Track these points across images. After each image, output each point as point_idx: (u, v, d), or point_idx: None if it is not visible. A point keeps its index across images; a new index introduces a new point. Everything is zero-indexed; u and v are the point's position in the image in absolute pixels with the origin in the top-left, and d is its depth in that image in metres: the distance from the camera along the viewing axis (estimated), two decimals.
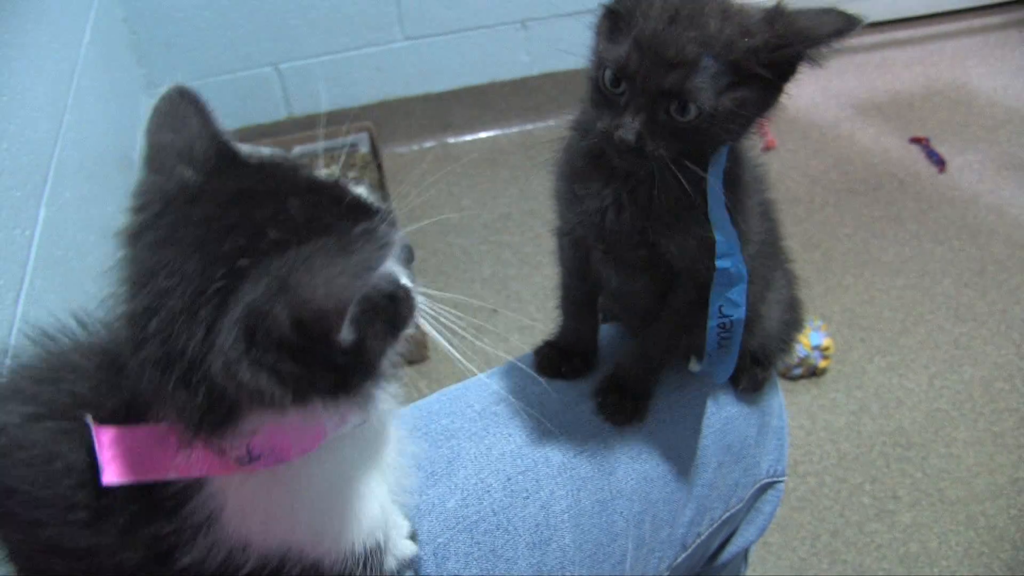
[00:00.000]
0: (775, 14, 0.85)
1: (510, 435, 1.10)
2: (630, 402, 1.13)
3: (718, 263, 0.96)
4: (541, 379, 1.18)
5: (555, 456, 1.08)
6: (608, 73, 0.89)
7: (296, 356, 0.58)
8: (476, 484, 1.04)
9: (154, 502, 0.67)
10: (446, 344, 0.75)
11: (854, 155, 3.18)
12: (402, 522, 0.99)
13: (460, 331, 0.76)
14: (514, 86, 3.30)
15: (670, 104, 0.86)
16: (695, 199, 0.93)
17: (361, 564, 0.75)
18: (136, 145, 2.48)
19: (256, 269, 0.58)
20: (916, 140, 3.21)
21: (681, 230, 0.97)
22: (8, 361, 0.75)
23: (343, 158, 2.97)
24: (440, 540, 1.00)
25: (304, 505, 0.70)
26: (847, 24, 0.83)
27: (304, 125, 2.97)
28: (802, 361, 2.36)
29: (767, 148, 3.15)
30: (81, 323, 0.77)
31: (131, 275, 0.63)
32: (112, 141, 2.31)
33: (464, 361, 0.78)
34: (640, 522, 1.08)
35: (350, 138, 3.05)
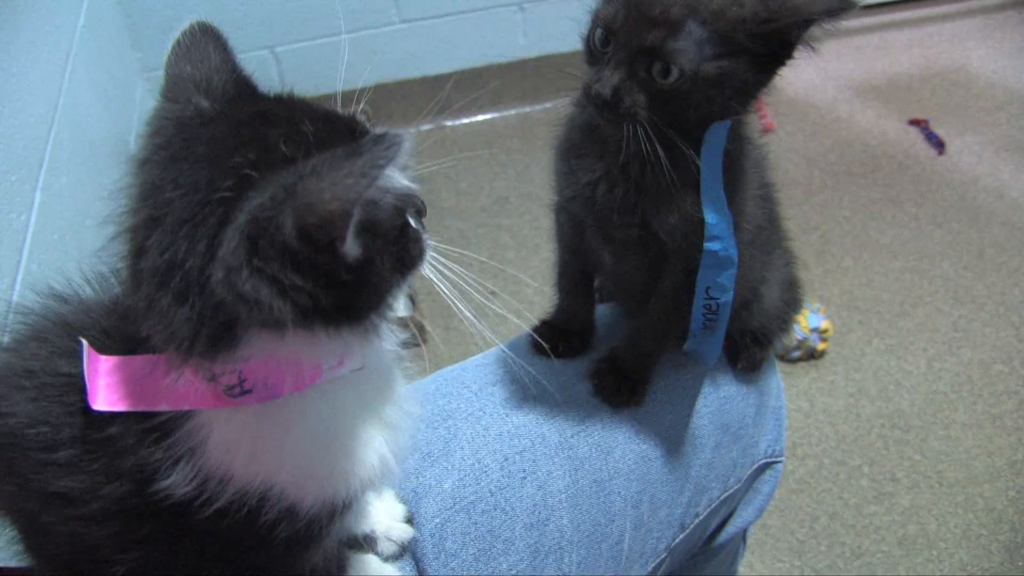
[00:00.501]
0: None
1: (507, 415, 1.09)
2: (627, 384, 1.12)
3: (707, 245, 0.95)
4: (539, 358, 1.18)
5: (552, 436, 1.08)
6: (599, 31, 0.88)
7: (300, 267, 0.56)
8: (473, 465, 1.03)
9: (140, 431, 0.66)
10: (452, 299, 0.75)
11: (852, 137, 3.17)
12: (398, 505, 0.99)
13: (469, 288, 0.76)
14: (511, 68, 3.29)
15: (652, 64, 0.85)
16: (687, 176, 0.92)
17: (337, 514, 0.74)
18: (132, 129, 2.48)
19: (264, 180, 0.57)
20: (915, 122, 3.20)
21: (672, 209, 0.95)
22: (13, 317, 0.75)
23: None
24: (437, 521, 0.99)
25: (292, 445, 0.68)
26: (840, 5, 0.81)
27: None
28: (801, 343, 2.36)
29: (765, 130, 3.14)
30: (88, 281, 0.78)
31: (137, 192, 0.63)
32: (108, 125, 2.30)
33: (473, 320, 0.78)
34: (638, 502, 1.08)
35: (355, 116, 3.05)
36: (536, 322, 1.25)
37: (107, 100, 2.40)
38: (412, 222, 0.69)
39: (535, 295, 2.56)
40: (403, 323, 0.76)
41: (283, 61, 3.05)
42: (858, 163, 3.06)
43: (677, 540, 1.14)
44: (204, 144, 0.62)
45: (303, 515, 0.70)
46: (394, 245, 0.65)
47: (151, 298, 0.60)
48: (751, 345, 1.18)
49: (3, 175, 1.54)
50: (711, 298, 1.00)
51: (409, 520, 0.99)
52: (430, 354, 2.44)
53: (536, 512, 1.02)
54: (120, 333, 0.70)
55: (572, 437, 1.08)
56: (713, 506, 1.17)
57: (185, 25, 0.71)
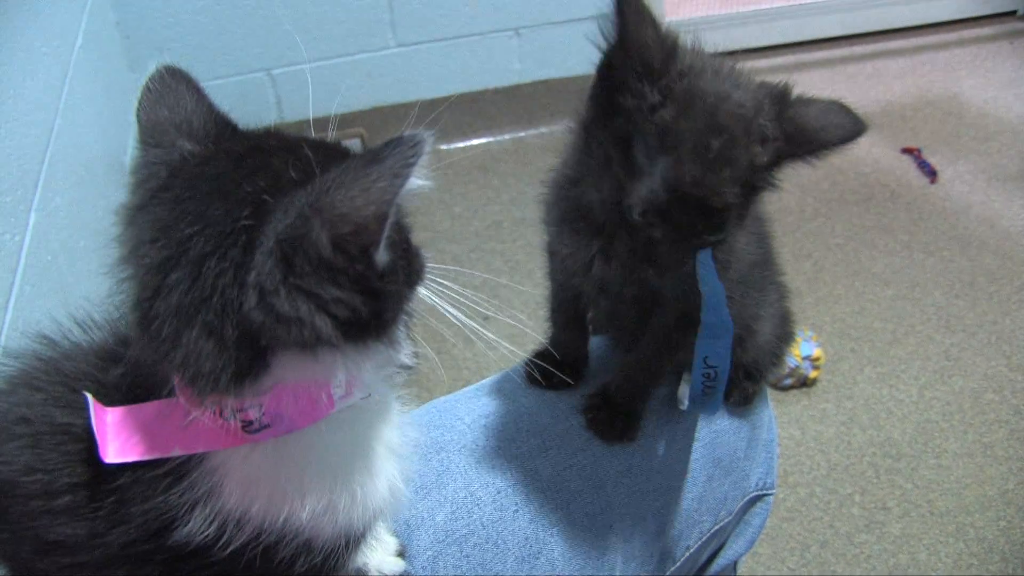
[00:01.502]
0: (783, 110, 0.84)
1: (500, 448, 1.09)
2: (620, 419, 1.12)
3: (703, 317, 0.96)
4: (532, 390, 1.19)
5: (545, 470, 1.08)
6: (636, 211, 0.86)
7: (336, 280, 0.57)
8: (466, 497, 1.03)
9: (151, 479, 0.65)
10: (450, 313, 0.77)
11: (845, 165, 3.18)
12: (390, 538, 0.98)
13: (464, 302, 0.78)
14: (506, 93, 3.30)
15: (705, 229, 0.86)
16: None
17: (352, 544, 0.74)
18: (128, 150, 2.48)
19: (282, 203, 0.57)
20: (907, 151, 3.21)
21: (679, 278, 0.96)
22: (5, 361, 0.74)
23: None
24: (429, 554, 0.99)
25: (311, 479, 0.68)
26: (854, 130, 0.83)
27: (296, 130, 2.94)
28: (792, 371, 2.36)
29: None
30: (80, 325, 0.76)
31: (143, 235, 0.62)
32: (104, 146, 2.30)
33: (472, 331, 0.81)
34: (629, 536, 1.08)
35: (342, 144, 3.05)
36: (530, 352, 1.25)
37: (104, 121, 2.40)
38: (411, 242, 0.70)
39: (529, 319, 2.55)
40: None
41: (279, 84, 3.05)
42: (851, 191, 3.07)
43: (668, 573, 1.13)
44: (208, 181, 0.62)
45: (320, 548, 0.70)
46: (404, 260, 0.65)
47: (174, 337, 0.59)
48: (743, 380, 1.19)
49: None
50: (709, 366, 1.01)
51: (401, 553, 0.98)
52: (422, 378, 2.44)
53: (528, 545, 1.02)
54: (120, 383, 0.69)
55: (565, 471, 1.08)
56: (704, 539, 1.17)
57: (151, 70, 0.71)
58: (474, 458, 1.08)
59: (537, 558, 1.01)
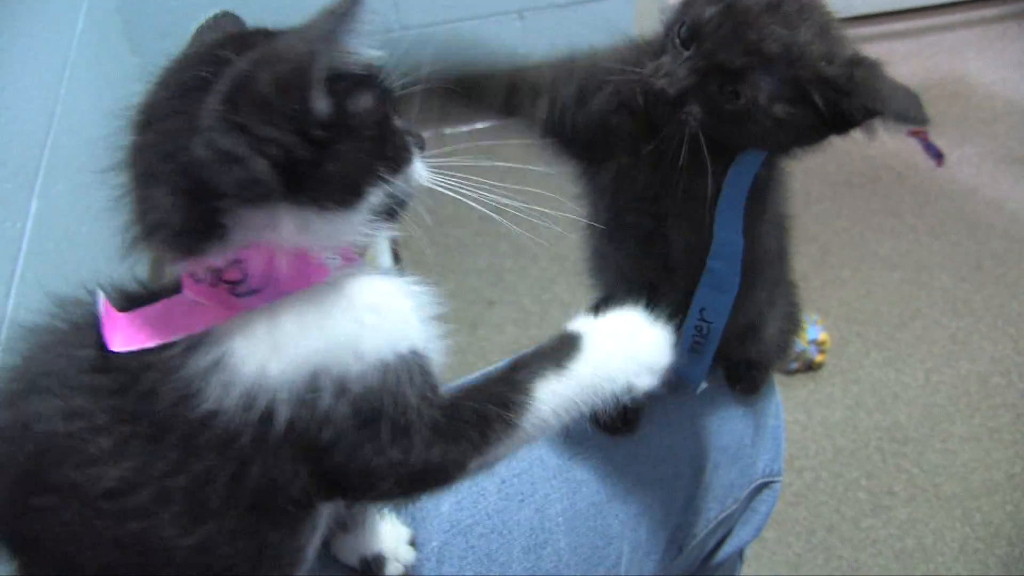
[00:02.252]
0: (862, 61, 0.83)
1: None
2: (622, 411, 1.11)
3: (709, 262, 0.95)
4: None
5: (551, 459, 1.07)
6: (685, 28, 0.86)
7: (274, 121, 0.59)
8: (471, 487, 1.03)
9: (165, 364, 0.65)
10: (457, 194, 0.80)
11: (851, 148, 3.09)
12: (402, 527, 0.98)
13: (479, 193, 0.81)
14: None
15: (725, 84, 0.84)
16: (711, 191, 0.91)
17: (396, 373, 0.68)
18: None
19: (241, 55, 0.62)
20: (914, 133, 3.13)
21: (689, 217, 0.94)
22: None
23: None
24: (434, 544, 0.99)
25: (311, 325, 0.67)
26: (917, 116, 0.81)
27: None
28: (798, 355, 2.35)
29: None
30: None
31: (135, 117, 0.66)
32: (106, 131, 2.29)
33: (492, 210, 0.83)
34: (636, 525, 1.08)
35: None
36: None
37: (105, 106, 2.37)
38: (395, 123, 0.71)
39: (533, 304, 2.56)
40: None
41: None
42: (857, 174, 3.05)
43: (674, 561, 1.13)
44: (194, 58, 0.67)
45: (359, 385, 0.67)
46: (372, 131, 0.67)
47: (141, 195, 0.63)
48: (750, 369, 1.18)
49: (0, 181, 1.53)
50: (704, 320, 0.98)
51: (412, 543, 0.98)
52: None
53: (534, 535, 1.01)
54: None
55: (570, 460, 1.07)
56: (710, 527, 1.17)
57: (209, 15, 0.77)
58: None
59: (543, 548, 1.01)
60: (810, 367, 2.38)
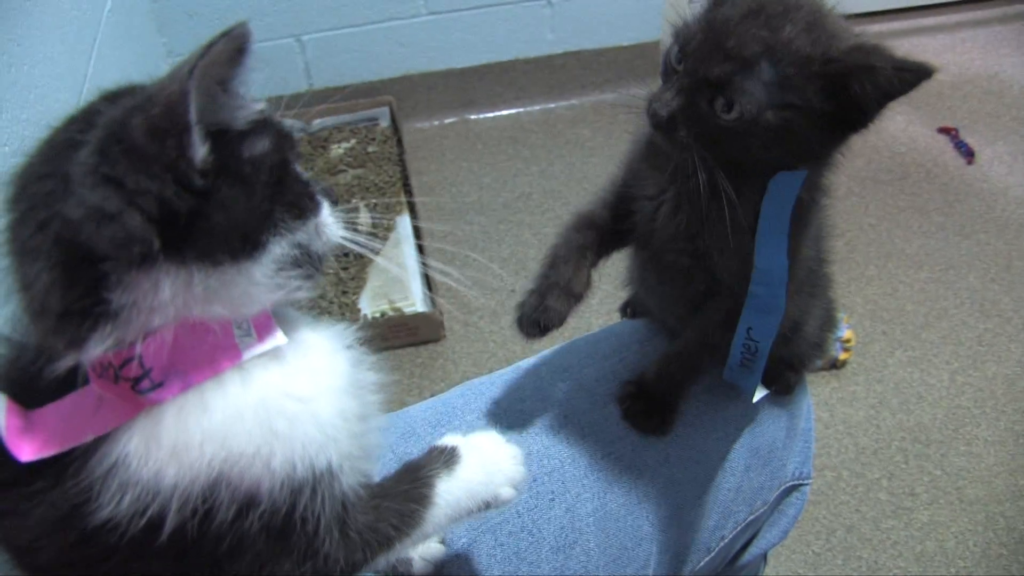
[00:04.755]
0: (859, 48, 0.79)
1: (536, 434, 1.08)
2: (656, 411, 1.10)
3: (752, 287, 0.94)
4: (569, 378, 1.16)
5: (582, 458, 1.06)
6: (675, 50, 0.86)
7: (149, 171, 0.55)
8: None
9: (62, 468, 0.61)
10: (364, 250, 0.73)
11: (880, 144, 3.13)
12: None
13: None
14: (538, 64, 3.26)
15: (715, 97, 0.82)
16: (749, 218, 0.90)
17: (308, 490, 0.66)
18: None
19: (112, 106, 0.58)
20: (944, 130, 3.15)
21: (730, 247, 0.93)
22: None
23: (363, 132, 2.95)
24: (463, 541, 0.98)
25: (217, 427, 0.62)
26: (916, 68, 0.77)
27: (325, 98, 2.94)
28: None
29: None
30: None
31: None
32: None
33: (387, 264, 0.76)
34: (666, 526, 1.07)
35: (371, 112, 3.03)
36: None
37: (118, 84, 2.39)
38: (298, 171, 0.68)
39: None
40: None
41: (308, 50, 3.02)
42: (885, 170, 3.02)
43: (702, 563, 1.12)
44: (65, 122, 0.63)
45: (266, 500, 0.64)
46: (267, 176, 0.63)
47: (21, 280, 0.59)
48: (786, 370, 1.17)
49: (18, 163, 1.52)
50: (751, 339, 0.98)
51: (441, 540, 0.97)
52: (447, 350, 2.44)
53: (563, 535, 1.00)
54: (32, 373, 0.64)
55: (602, 459, 1.06)
56: (739, 529, 1.16)
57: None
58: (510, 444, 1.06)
59: (572, 548, 1.00)
60: (834, 365, 2.37)
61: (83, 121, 0.59)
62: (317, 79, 3.10)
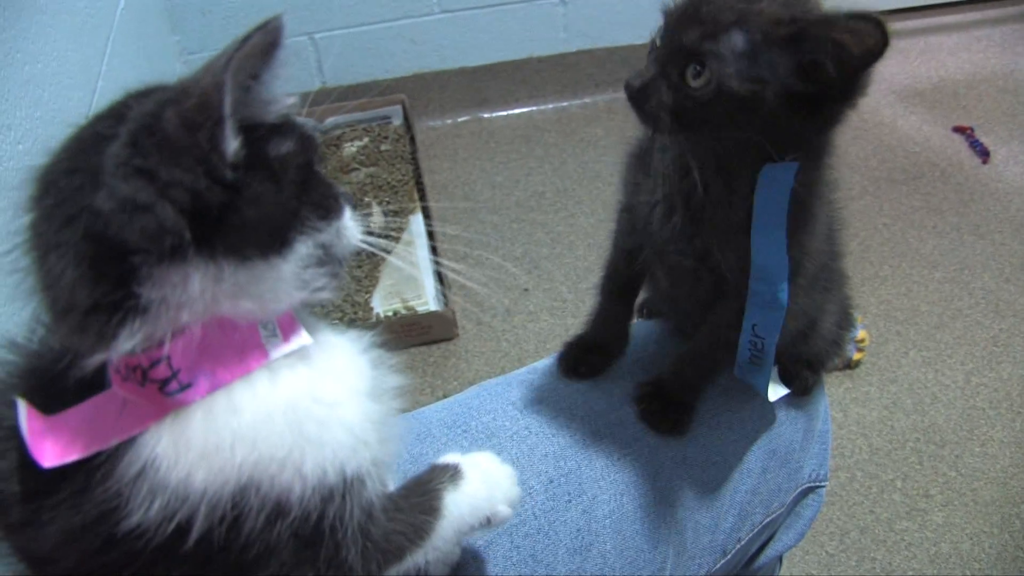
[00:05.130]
0: (829, 13, 0.77)
1: (553, 435, 1.07)
2: (672, 411, 1.10)
3: (751, 284, 0.93)
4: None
5: (599, 459, 1.06)
6: (660, 29, 0.85)
7: (181, 162, 0.55)
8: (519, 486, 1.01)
9: (89, 472, 0.61)
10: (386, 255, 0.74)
11: (895, 143, 3.11)
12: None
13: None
14: (551, 62, 3.26)
15: (687, 65, 0.81)
16: (745, 214, 0.89)
17: (339, 497, 0.66)
18: None
19: (142, 101, 0.58)
20: (959, 129, 3.14)
21: (729, 243, 0.93)
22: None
23: (376, 130, 2.95)
24: (479, 543, 0.98)
25: (248, 430, 0.62)
26: (868, 16, 0.74)
27: (338, 96, 2.94)
28: None
29: None
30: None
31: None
32: None
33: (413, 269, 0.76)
34: (682, 528, 1.06)
35: (383, 110, 3.03)
36: (569, 338, 1.21)
37: (145, 83, 2.39)
38: (321, 173, 0.68)
39: (569, 292, 2.54)
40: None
41: (321, 48, 3.02)
42: (900, 170, 3.01)
43: (718, 565, 1.12)
44: (92, 120, 0.63)
45: (296, 507, 0.64)
46: (294, 176, 0.63)
47: (45, 276, 0.58)
48: (803, 370, 1.16)
49: (40, 159, 1.53)
50: (757, 336, 0.98)
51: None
52: (460, 349, 2.44)
53: (580, 537, 1.00)
54: (57, 374, 0.64)
55: (619, 460, 1.06)
56: (755, 531, 1.15)
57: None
58: (526, 445, 1.06)
59: (589, 550, 1.00)
60: (848, 365, 2.36)
61: (112, 117, 0.59)
62: (330, 77, 3.10)
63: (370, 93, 3.04)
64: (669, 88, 0.83)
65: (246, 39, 0.57)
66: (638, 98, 0.85)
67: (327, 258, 0.66)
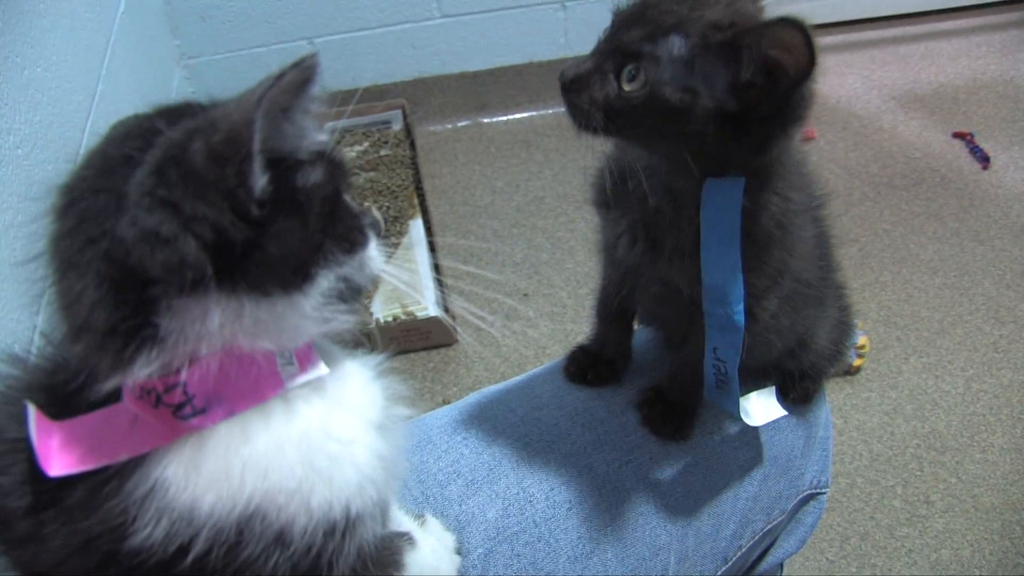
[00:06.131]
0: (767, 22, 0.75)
1: (553, 443, 1.07)
2: (674, 416, 1.09)
3: (706, 306, 0.92)
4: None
5: (600, 466, 1.05)
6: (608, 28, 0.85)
7: (206, 197, 0.54)
8: (518, 494, 1.01)
9: (96, 486, 0.61)
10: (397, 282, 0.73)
11: (895, 149, 3.11)
12: (447, 534, 0.96)
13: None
14: (551, 67, 3.24)
15: (624, 65, 0.80)
16: (691, 234, 0.88)
17: (339, 534, 0.66)
18: None
19: (172, 125, 0.58)
20: (959, 135, 3.13)
21: (683, 267, 0.92)
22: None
23: (376, 135, 2.95)
24: (480, 551, 0.97)
25: (259, 459, 0.62)
26: (794, 21, 0.71)
27: (337, 101, 2.93)
28: None
29: (806, 138, 3.09)
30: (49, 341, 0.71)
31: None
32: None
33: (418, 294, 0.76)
34: (683, 536, 1.06)
35: (383, 115, 3.03)
36: (574, 346, 1.21)
37: (145, 87, 2.39)
38: (349, 202, 0.67)
39: (569, 298, 2.54)
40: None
41: (321, 53, 3.00)
42: (900, 175, 3.00)
43: (719, 572, 1.11)
44: (119, 136, 0.63)
45: (297, 540, 0.63)
46: (320, 208, 0.62)
47: (64, 292, 0.58)
48: (803, 380, 1.16)
49: (40, 164, 1.53)
50: (719, 359, 0.96)
51: (458, 550, 0.97)
52: (460, 355, 2.44)
53: (581, 545, 1.00)
54: (72, 391, 0.63)
55: (620, 468, 1.05)
56: (756, 538, 1.15)
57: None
58: (527, 453, 1.05)
59: (590, 558, 0.99)
60: (848, 371, 2.35)
61: (140, 138, 0.58)
62: (329, 82, 3.04)
63: (370, 98, 3.04)
64: (603, 86, 0.82)
65: (281, 76, 0.56)
66: (570, 89, 0.84)
67: (347, 291, 0.66)
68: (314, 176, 0.62)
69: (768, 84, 0.75)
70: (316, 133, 0.64)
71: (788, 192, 0.90)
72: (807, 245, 0.98)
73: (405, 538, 0.83)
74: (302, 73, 0.58)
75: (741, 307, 0.90)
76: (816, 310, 1.08)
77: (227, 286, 0.57)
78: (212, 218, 0.54)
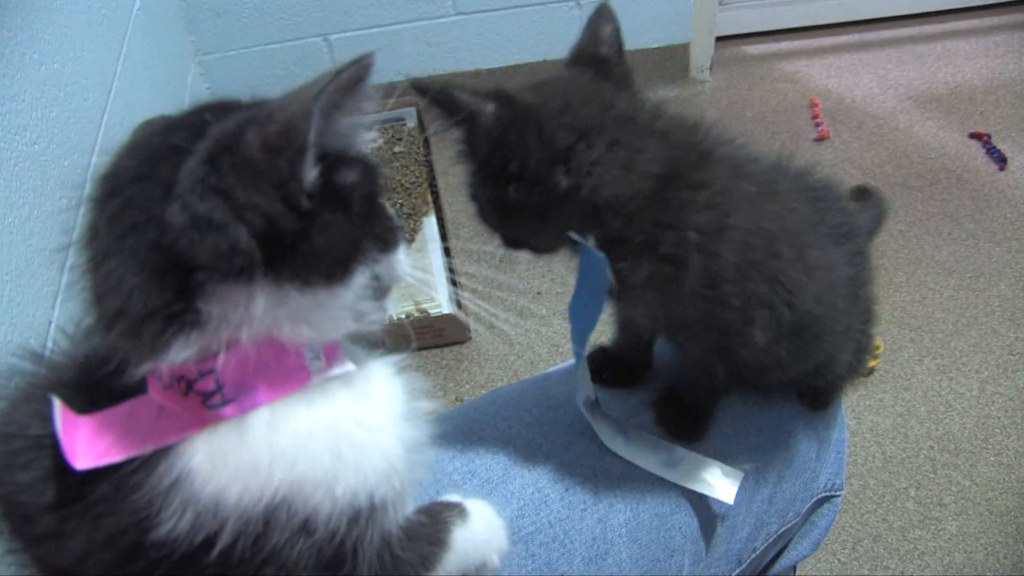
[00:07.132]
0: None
1: (569, 443, 1.07)
2: (688, 417, 1.09)
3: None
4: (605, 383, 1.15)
5: (615, 467, 1.05)
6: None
7: (259, 186, 0.55)
8: (533, 494, 1.01)
9: (122, 478, 0.61)
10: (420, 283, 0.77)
11: (911, 149, 3.10)
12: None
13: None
14: None
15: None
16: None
17: (364, 521, 0.66)
18: None
19: (222, 117, 0.59)
20: (976, 136, 3.12)
21: (635, 305, 0.98)
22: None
23: (390, 132, 2.95)
24: None
25: (286, 448, 0.62)
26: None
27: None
28: None
29: (821, 139, 3.08)
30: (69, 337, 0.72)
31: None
32: (161, 109, 2.29)
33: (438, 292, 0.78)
34: (699, 537, 1.05)
35: (397, 112, 3.03)
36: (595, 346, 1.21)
37: (160, 84, 2.40)
38: (383, 204, 0.69)
39: None
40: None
41: (336, 49, 3.03)
42: (915, 176, 2.99)
43: (733, 574, 1.11)
44: (164, 127, 0.64)
45: (322, 528, 0.64)
46: (360, 206, 0.64)
47: (102, 278, 0.58)
48: (823, 387, 1.15)
49: (55, 160, 1.53)
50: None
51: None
52: (473, 352, 2.44)
53: (595, 546, 0.99)
54: (98, 385, 0.64)
55: (635, 469, 1.05)
56: (771, 540, 1.14)
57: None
58: (542, 453, 1.05)
59: (604, 559, 0.99)
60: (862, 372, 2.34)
61: (188, 129, 0.59)
62: None
63: (384, 95, 3.04)
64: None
65: (339, 72, 0.57)
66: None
67: (378, 290, 0.67)
68: (353, 175, 0.63)
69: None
70: (364, 132, 0.65)
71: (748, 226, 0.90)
72: (823, 277, 0.96)
73: (456, 510, 0.83)
74: (359, 71, 0.59)
75: (583, 347, 0.99)
76: (840, 338, 1.07)
77: (272, 274, 0.58)
78: (264, 206, 0.56)
